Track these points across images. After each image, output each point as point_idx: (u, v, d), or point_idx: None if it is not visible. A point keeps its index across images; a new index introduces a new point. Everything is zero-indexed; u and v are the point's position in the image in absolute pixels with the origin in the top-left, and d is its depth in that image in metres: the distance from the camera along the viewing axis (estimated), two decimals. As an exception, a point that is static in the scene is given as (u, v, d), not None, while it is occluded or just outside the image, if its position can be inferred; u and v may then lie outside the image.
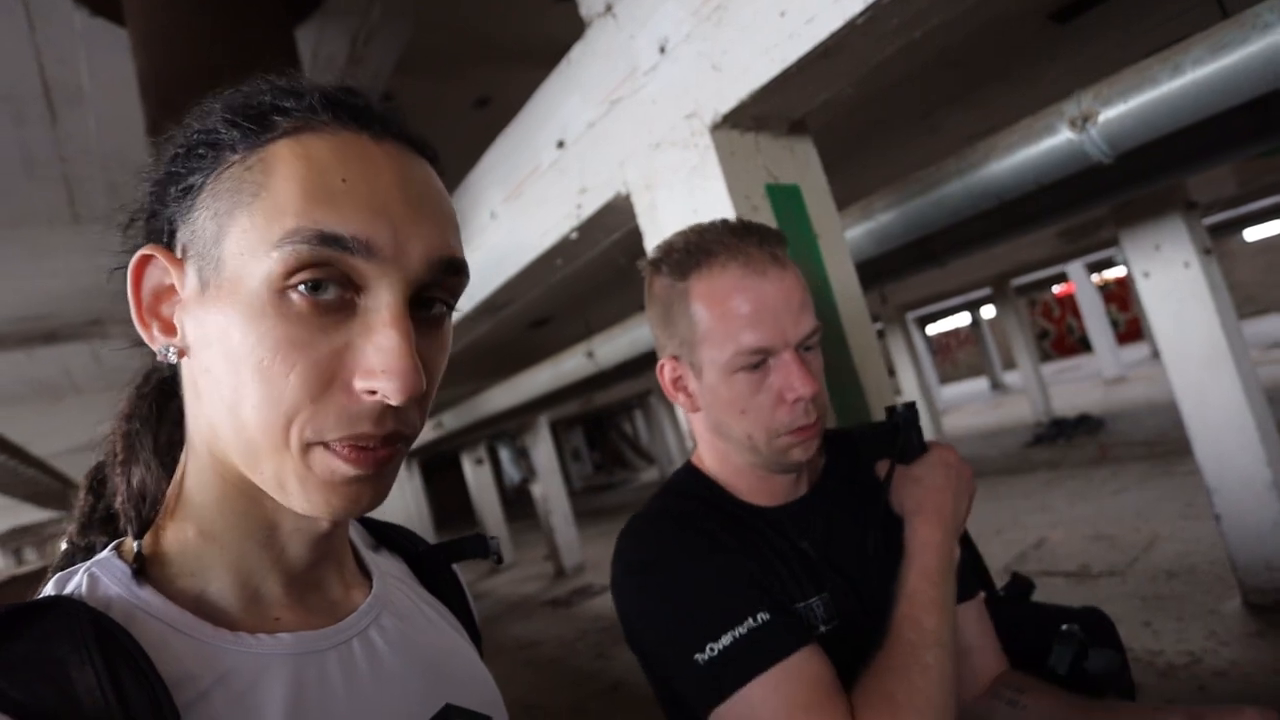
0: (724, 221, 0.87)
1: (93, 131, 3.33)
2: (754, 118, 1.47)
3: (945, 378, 22.76)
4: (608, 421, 23.55)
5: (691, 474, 0.92)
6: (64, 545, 0.53)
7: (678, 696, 0.80)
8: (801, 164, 1.59)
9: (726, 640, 0.72)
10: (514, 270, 2.15)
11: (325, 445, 0.42)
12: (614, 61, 1.61)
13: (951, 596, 0.79)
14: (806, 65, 1.29)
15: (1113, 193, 2.16)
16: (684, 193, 1.49)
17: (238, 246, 0.41)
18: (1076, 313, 17.93)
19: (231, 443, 0.43)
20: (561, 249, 1.95)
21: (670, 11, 1.46)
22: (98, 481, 0.55)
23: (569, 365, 4.23)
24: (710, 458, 0.91)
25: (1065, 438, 8.58)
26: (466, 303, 2.52)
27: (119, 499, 0.51)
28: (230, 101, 0.45)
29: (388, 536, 0.65)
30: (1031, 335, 11.44)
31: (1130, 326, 18.43)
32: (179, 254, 0.45)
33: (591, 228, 1.84)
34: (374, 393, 0.41)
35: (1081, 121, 1.81)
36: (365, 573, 0.57)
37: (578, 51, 1.72)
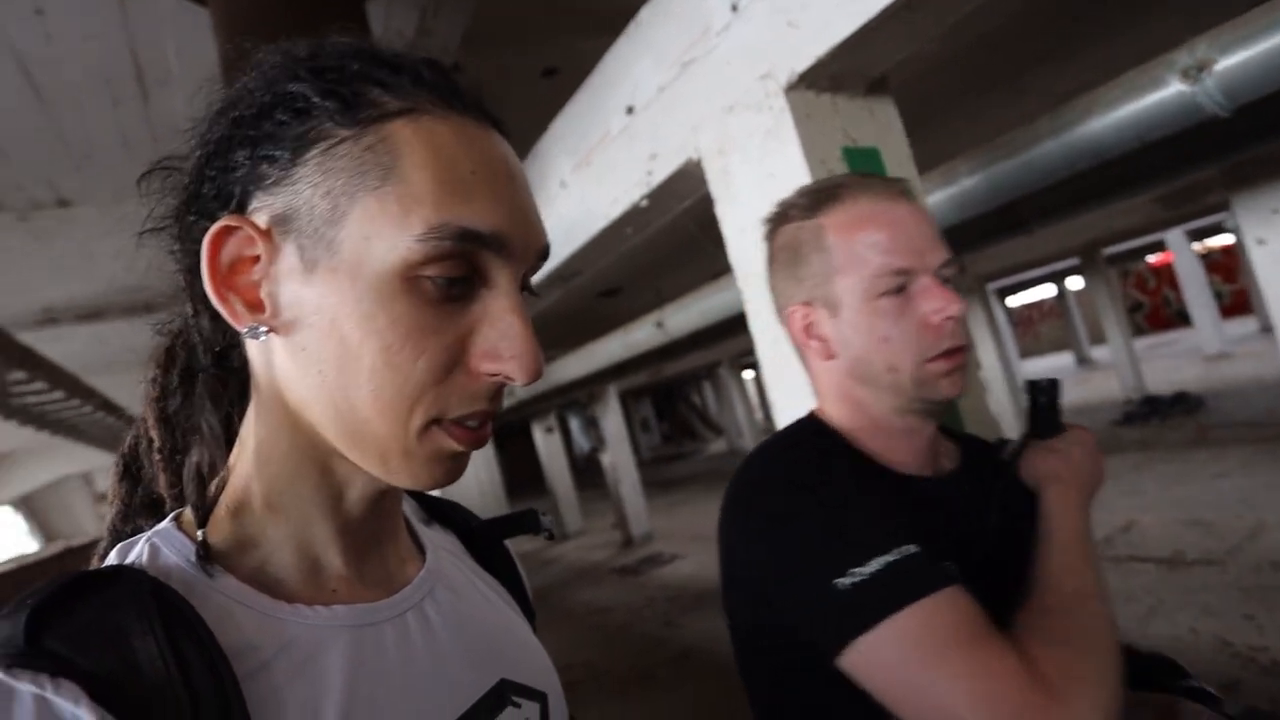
0: (844, 175, 0.89)
1: (181, 111, 3.49)
2: (831, 77, 1.41)
3: (1026, 352, 21.78)
4: (676, 393, 23.61)
5: (815, 426, 0.86)
6: (106, 534, 0.53)
7: (783, 644, 0.74)
8: (882, 126, 1.52)
9: (875, 566, 0.66)
10: (584, 239, 2.14)
11: (440, 423, 0.43)
12: (685, 22, 1.56)
13: (1100, 564, 0.75)
14: (889, 18, 1.22)
15: (1227, 150, 1.98)
16: (758, 157, 1.44)
17: (362, 231, 0.41)
18: (1174, 284, 16.79)
19: (326, 417, 0.44)
20: (632, 217, 1.93)
21: (744, -34, 1.40)
22: (134, 469, 0.54)
23: (639, 335, 4.22)
24: (842, 410, 0.85)
25: (1159, 417, 8.10)
26: (539, 272, 2.53)
27: (162, 482, 0.51)
28: (306, 64, 0.44)
29: (440, 511, 0.65)
30: (1123, 308, 10.79)
31: (1236, 299, 17.16)
32: (264, 224, 0.43)
33: (662, 195, 1.81)
34: (496, 374, 0.43)
35: (1196, 71, 1.65)
36: (419, 547, 0.57)
37: (647, 12, 1.68)
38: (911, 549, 0.67)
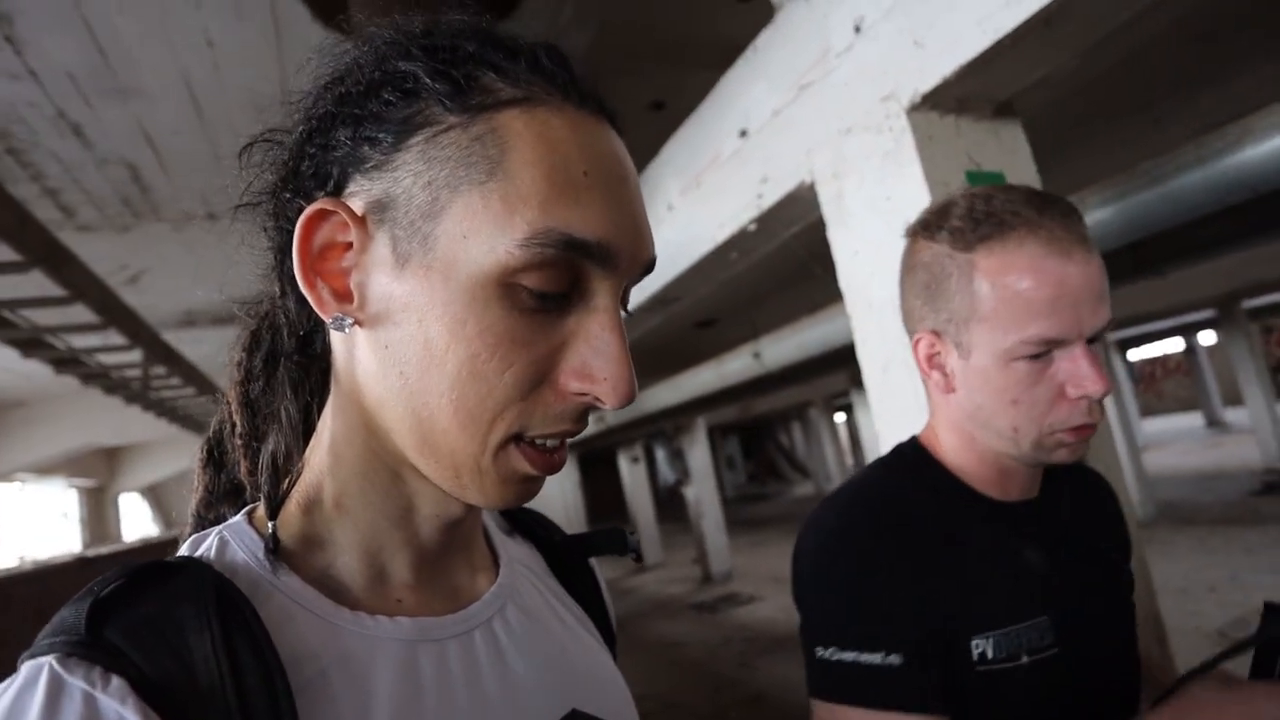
0: (1016, 188, 0.76)
1: (321, 135, 3.78)
2: (957, 99, 1.36)
3: (1147, 410, 20.18)
4: (764, 431, 23.22)
5: (919, 452, 0.84)
6: (190, 522, 0.52)
7: None
8: (1008, 150, 1.46)
9: (849, 657, 0.71)
10: (687, 264, 2.15)
11: (519, 441, 0.41)
12: (804, 44, 1.56)
13: None
14: (1024, 35, 1.17)
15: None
16: (875, 180, 1.41)
17: (460, 228, 0.38)
18: (1327, 344, 15.19)
19: (403, 423, 0.41)
20: (738, 241, 1.92)
21: (869, -12, 1.39)
22: (218, 454, 0.52)
23: (734, 365, 4.18)
24: (950, 441, 0.82)
25: (1307, 488, 7.29)
26: (638, 295, 2.56)
27: (244, 469, 0.49)
28: (420, 42, 0.41)
29: (523, 523, 0.62)
30: (1265, 366, 9.84)
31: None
32: (360, 210, 0.41)
33: (771, 219, 1.80)
34: (585, 395, 0.40)
35: (1370, 101, 1.50)
36: (494, 558, 0.54)
37: (765, 38, 1.69)
38: (895, 660, 0.69)
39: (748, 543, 11.48)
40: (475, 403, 0.39)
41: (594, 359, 0.40)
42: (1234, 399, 15.59)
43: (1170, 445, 13.47)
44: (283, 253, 0.45)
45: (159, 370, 4.39)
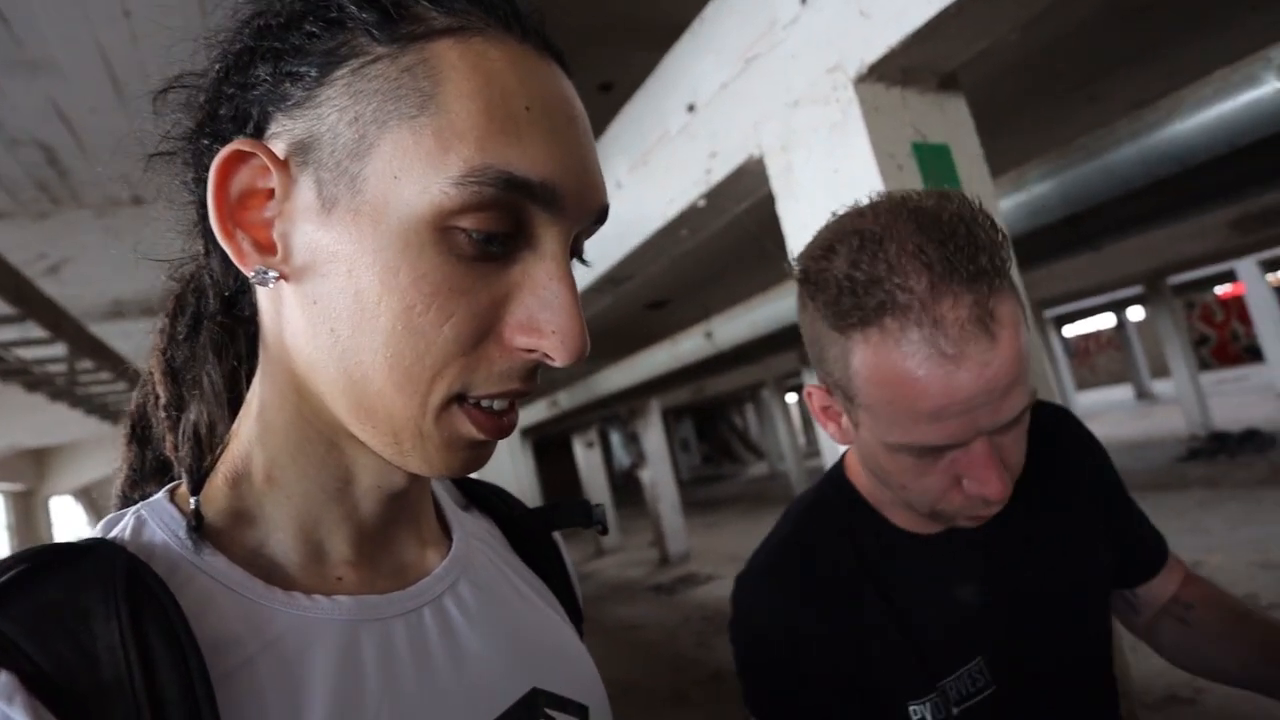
0: (910, 217, 0.59)
1: (253, 114, 3.62)
2: (902, 69, 1.37)
3: (1082, 383, 21.05)
4: (718, 413, 23.44)
5: (840, 488, 0.78)
6: (115, 503, 0.48)
7: None
8: (952, 122, 1.47)
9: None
10: (637, 241, 2.13)
11: (461, 401, 0.38)
12: (750, 17, 1.54)
13: None
14: (967, 5, 1.17)
15: (1322, 161, 1.87)
16: (823, 153, 1.40)
17: (390, 168, 0.35)
18: (1244, 317, 16.06)
19: (336, 386, 0.38)
20: (688, 218, 1.90)
21: (815, -42, 1.38)
22: (142, 428, 0.48)
23: (687, 345, 4.19)
24: (864, 476, 0.76)
25: (1227, 454, 7.70)
26: (588, 275, 2.52)
27: (168, 444, 0.45)
28: None
29: (480, 495, 0.58)
30: (1188, 340, 10.35)
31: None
32: (281, 153, 0.37)
33: (721, 194, 1.78)
34: (533, 350, 0.38)
35: (1290, 75, 1.56)
36: (447, 532, 0.51)
37: (711, 9, 1.67)
38: None
39: (703, 524, 11.61)
40: (412, 359, 0.36)
41: (541, 311, 0.37)
42: (1161, 371, 16.38)
43: (1103, 416, 14.09)
44: (204, 205, 0.40)
45: (86, 365, 4.16)
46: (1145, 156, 1.73)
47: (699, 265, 4.18)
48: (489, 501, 0.58)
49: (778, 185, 1.53)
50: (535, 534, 0.58)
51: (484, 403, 0.38)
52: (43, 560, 0.34)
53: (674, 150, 1.85)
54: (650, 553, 9.62)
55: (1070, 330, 20.84)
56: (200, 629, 0.35)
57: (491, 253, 0.36)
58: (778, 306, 3.37)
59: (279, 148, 0.37)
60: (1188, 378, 9.56)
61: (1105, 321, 19.06)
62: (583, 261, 0.43)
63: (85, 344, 3.89)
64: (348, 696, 0.38)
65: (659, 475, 9.16)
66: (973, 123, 1.52)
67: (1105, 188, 1.85)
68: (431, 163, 0.35)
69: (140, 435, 0.48)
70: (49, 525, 14.61)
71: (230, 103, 0.39)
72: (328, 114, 0.36)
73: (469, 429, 0.38)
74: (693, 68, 1.76)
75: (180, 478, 0.44)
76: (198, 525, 0.39)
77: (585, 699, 0.49)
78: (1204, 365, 18.31)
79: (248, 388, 0.44)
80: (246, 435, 0.42)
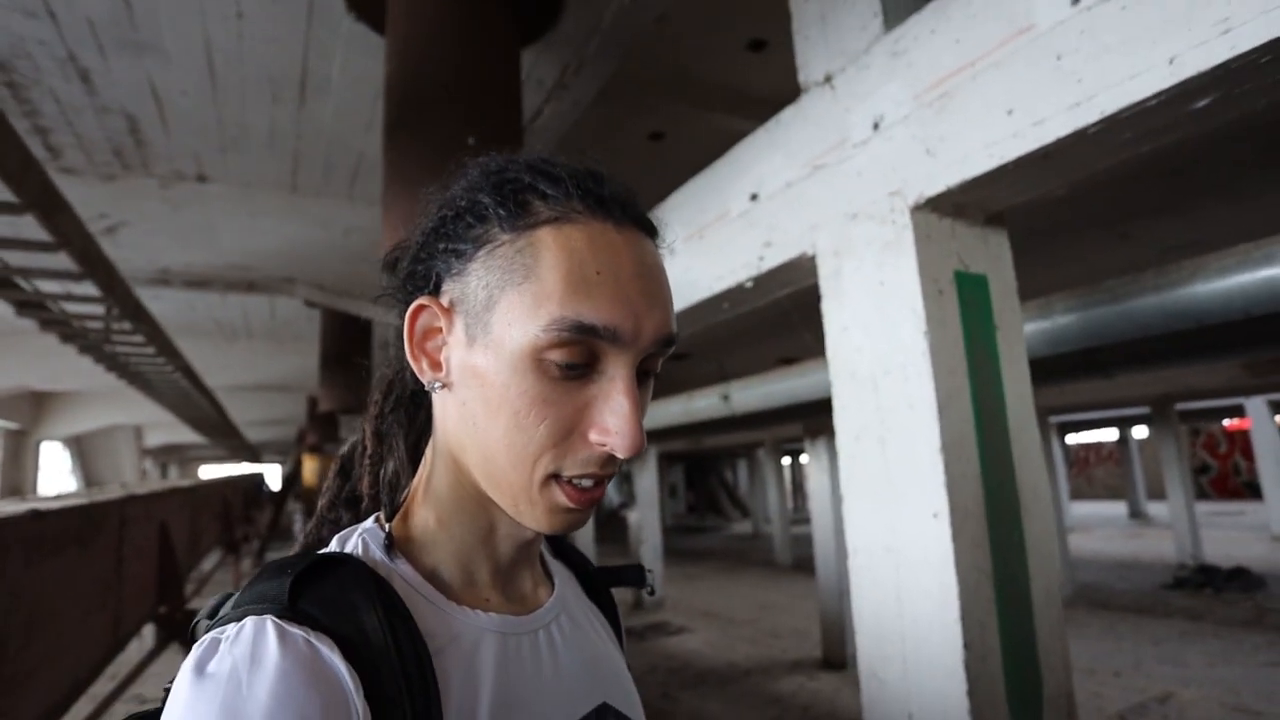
0: None
1: (328, 118, 3.79)
2: (955, 204, 1.50)
3: (1077, 493, 20.96)
4: (710, 464, 23.36)
5: None
6: (315, 519, 0.65)
7: None
8: (993, 255, 1.60)
9: None
10: (681, 306, 2.26)
11: (558, 479, 0.51)
12: (824, 129, 1.68)
13: None
14: (1024, 164, 1.31)
15: (1330, 337, 1.99)
16: (873, 266, 1.53)
17: (505, 318, 0.50)
18: (1248, 453, 16.07)
19: (476, 462, 0.53)
20: (733, 294, 2.03)
21: (891, 92, 1.52)
22: (346, 468, 0.66)
23: (701, 404, 4.30)
24: None
25: (1213, 588, 7.70)
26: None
27: (365, 484, 0.62)
28: (493, 177, 0.53)
29: (564, 550, 0.74)
30: (1188, 467, 10.38)
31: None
32: (447, 304, 0.54)
33: (768, 280, 1.91)
34: (603, 445, 0.50)
35: (1308, 258, 1.69)
36: (548, 575, 0.66)
37: (789, 114, 1.81)
38: None
39: (681, 573, 11.55)
40: (520, 447, 0.50)
41: (609, 417, 0.50)
42: (1158, 493, 16.34)
43: (1095, 530, 14.03)
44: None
45: (124, 325, 4.29)
46: (1165, 309, 1.85)
47: (724, 325, 4.32)
48: (570, 556, 0.74)
49: (826, 286, 1.66)
50: (601, 585, 0.74)
51: (574, 480, 0.52)
52: (315, 565, 0.49)
53: (731, 232, 1.99)
54: (623, 594, 9.58)
55: (1072, 438, 20.81)
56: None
57: (573, 375, 0.50)
58: (795, 383, 3.49)
59: (445, 300, 0.54)
60: (1183, 504, 9.57)
61: (1108, 435, 19.04)
62: (656, 376, 0.57)
63: (130, 306, 4.03)
64: (503, 683, 0.52)
65: (647, 518, 9.18)
66: (1010, 256, 1.65)
67: (1124, 330, 1.97)
68: (530, 315, 0.49)
69: (345, 472, 0.66)
70: (35, 468, 14.60)
71: (422, 265, 0.56)
72: (472, 280, 0.52)
73: (562, 499, 0.52)
74: (761, 161, 1.90)
75: (367, 509, 0.62)
76: (390, 543, 0.55)
77: (635, 716, 0.63)
78: (1201, 494, 18.25)
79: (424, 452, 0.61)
80: (424, 491, 0.58)
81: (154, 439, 19.49)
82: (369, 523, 0.58)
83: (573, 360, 0.49)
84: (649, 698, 5.29)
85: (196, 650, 0.43)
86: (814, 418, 3.43)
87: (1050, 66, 1.23)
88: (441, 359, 0.54)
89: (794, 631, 7.43)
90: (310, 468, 12.68)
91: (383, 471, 0.61)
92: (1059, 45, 1.22)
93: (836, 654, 6.01)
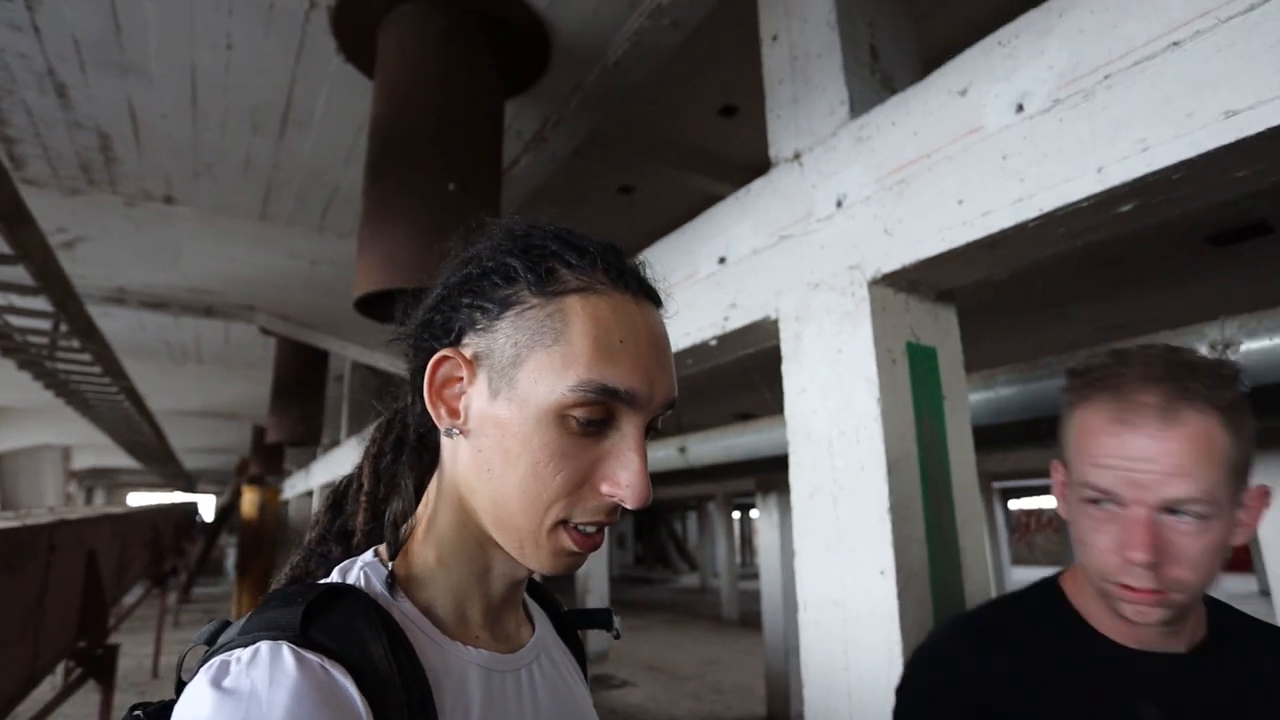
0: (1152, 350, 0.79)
1: (307, 152, 3.83)
2: (909, 281, 1.62)
3: (1018, 559, 21.42)
4: (660, 516, 23.24)
5: (1050, 588, 0.90)
6: (302, 551, 0.66)
7: None
8: (943, 330, 1.72)
9: None
10: (646, 357, 2.33)
11: (565, 525, 0.55)
12: (791, 203, 1.80)
13: None
14: (972, 250, 1.43)
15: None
16: (832, 333, 1.63)
17: (533, 375, 0.54)
18: (1176, 528, 16.68)
19: (485, 507, 0.57)
20: (698, 351, 2.11)
21: (855, 174, 1.65)
22: (340, 503, 0.67)
23: (659, 454, 4.34)
24: (1077, 575, 0.87)
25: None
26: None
27: (360, 520, 0.64)
28: (520, 241, 0.58)
29: (538, 592, 0.78)
30: (1123, 540, 10.75)
31: (1238, 554, 16.96)
32: (470, 355, 0.57)
33: (732, 340, 2.00)
34: (613, 496, 0.56)
35: (1222, 347, 1.86)
36: (528, 615, 0.70)
37: (759, 185, 1.93)
38: None
39: (628, 626, 11.38)
40: (535, 494, 0.54)
41: (620, 471, 0.55)
42: (1092, 564, 16.77)
43: (1032, 597, 14.30)
44: (415, 373, 0.62)
45: (72, 343, 4.18)
46: (1097, 388, 2.00)
47: (686, 380, 4.41)
48: (544, 598, 0.79)
49: (787, 349, 1.75)
50: (571, 627, 0.78)
51: (580, 526, 0.57)
52: (323, 595, 0.52)
53: (699, 292, 2.08)
54: (569, 644, 9.39)
55: (1015, 504, 21.37)
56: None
57: (591, 431, 0.55)
58: (754, 439, 3.57)
59: (468, 352, 0.58)
60: (1116, 577, 9.89)
61: (1049, 503, 19.59)
62: (657, 431, 0.63)
63: (80, 324, 3.93)
64: (489, 717, 0.56)
65: (593, 569, 9.08)
66: (958, 331, 1.77)
67: (1060, 404, 2.11)
68: (558, 375, 0.54)
69: (337, 507, 0.68)
70: (-49, 486, 13.73)
71: (443, 315, 0.60)
72: (499, 337, 0.56)
73: (568, 543, 0.57)
74: (731, 227, 2.01)
75: (358, 544, 0.64)
76: (393, 581, 0.58)
77: None
78: (1133, 566, 18.79)
79: (426, 491, 0.64)
80: (425, 529, 0.62)
81: (82, 461, 18.56)
82: (369, 556, 0.60)
83: (593, 418, 0.54)
84: (588, 753, 5.16)
85: (207, 671, 0.45)
86: (768, 473, 3.51)
87: (997, 164, 1.36)
88: (460, 407, 0.58)
89: (739, 688, 7.37)
90: (250, 499, 12.24)
91: (387, 509, 0.62)
92: (1004, 146, 1.35)
93: (781, 711, 5.99)
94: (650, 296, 0.61)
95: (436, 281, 0.62)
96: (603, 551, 9.37)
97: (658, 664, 8.52)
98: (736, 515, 20.07)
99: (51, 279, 3.19)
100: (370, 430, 0.68)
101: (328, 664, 0.46)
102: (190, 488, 25.48)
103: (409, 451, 0.65)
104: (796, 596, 1.65)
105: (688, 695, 7.03)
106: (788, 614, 6.42)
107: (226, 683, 0.43)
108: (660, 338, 0.59)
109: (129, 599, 8.79)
